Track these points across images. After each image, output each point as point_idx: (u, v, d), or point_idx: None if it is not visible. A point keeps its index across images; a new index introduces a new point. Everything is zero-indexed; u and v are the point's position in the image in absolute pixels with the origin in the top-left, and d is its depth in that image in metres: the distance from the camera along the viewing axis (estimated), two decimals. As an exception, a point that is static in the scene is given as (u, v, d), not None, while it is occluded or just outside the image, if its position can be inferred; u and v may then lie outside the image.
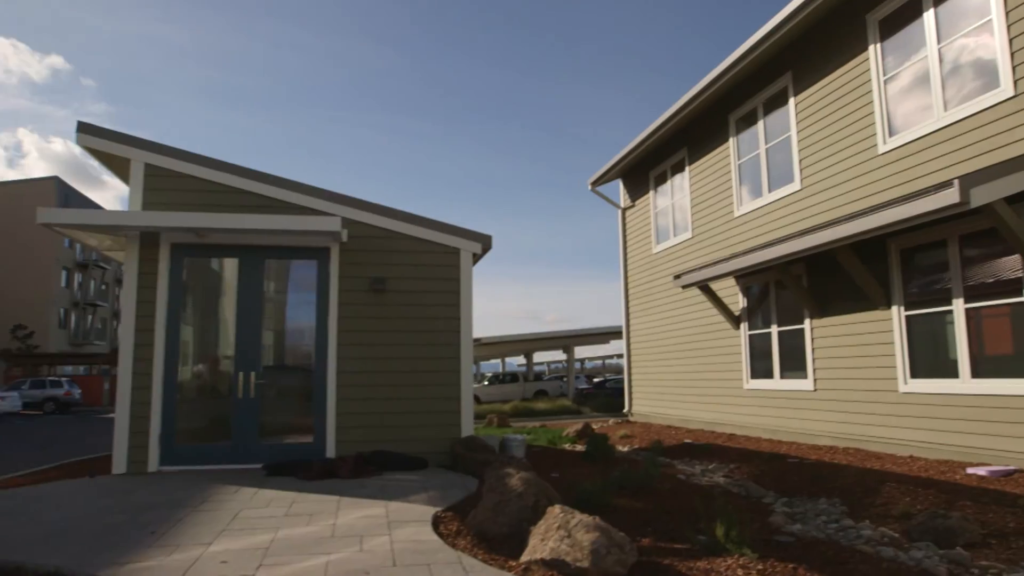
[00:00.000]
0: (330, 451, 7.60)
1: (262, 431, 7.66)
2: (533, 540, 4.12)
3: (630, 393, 16.62)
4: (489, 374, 34.03)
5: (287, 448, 7.66)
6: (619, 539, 3.90)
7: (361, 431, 7.68)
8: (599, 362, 65.24)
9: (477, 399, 29.09)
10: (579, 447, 12.18)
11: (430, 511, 5.38)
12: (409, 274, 8.00)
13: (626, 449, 11.32)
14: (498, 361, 46.60)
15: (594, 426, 15.82)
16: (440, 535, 4.71)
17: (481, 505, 4.72)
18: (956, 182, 6.36)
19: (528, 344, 30.22)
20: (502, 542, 4.57)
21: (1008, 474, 6.77)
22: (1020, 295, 7.09)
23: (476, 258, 8.35)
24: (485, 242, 8.14)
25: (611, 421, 16.56)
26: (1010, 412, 7.12)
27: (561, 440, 13.18)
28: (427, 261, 8.04)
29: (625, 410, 16.82)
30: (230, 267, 7.91)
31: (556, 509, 4.16)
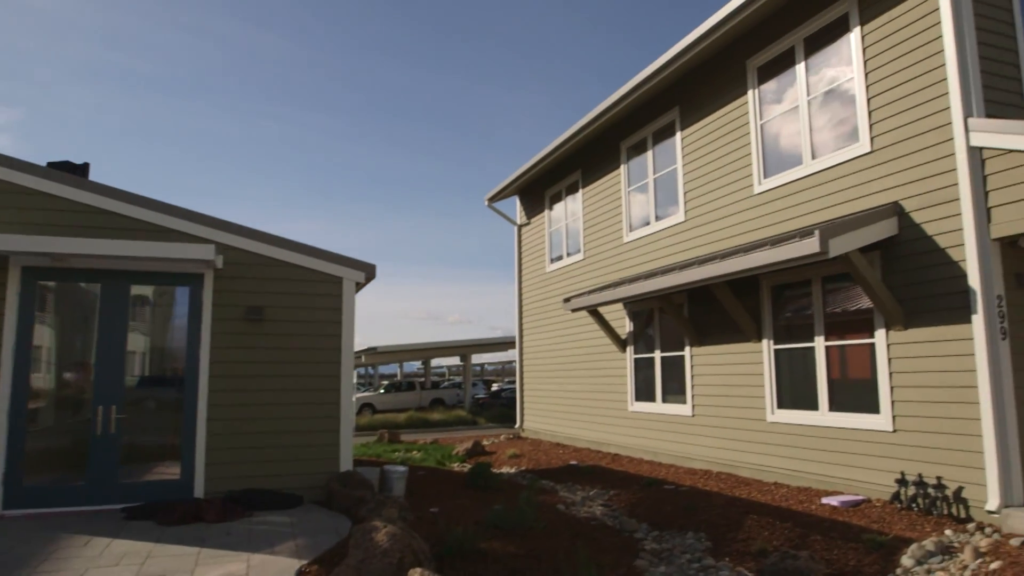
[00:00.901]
0: (198, 489, 7.22)
1: (123, 469, 7.19)
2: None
3: (522, 409, 16.77)
4: (386, 382, 33.53)
5: (150, 487, 7.23)
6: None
7: (233, 467, 7.35)
8: (500, 365, 65.60)
9: (372, 407, 28.59)
10: (468, 466, 12.19)
11: (295, 565, 5.19)
12: (288, 303, 7.73)
13: (513, 471, 11.41)
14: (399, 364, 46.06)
15: (485, 442, 15.88)
16: (302, 596, 4.55)
17: (345, 563, 4.59)
18: (817, 232, 6.76)
19: (425, 352, 30.00)
20: (366, 603, 4.46)
21: (857, 504, 7.25)
22: (872, 336, 7.62)
23: (359, 286, 8.17)
24: (369, 271, 7.98)
25: (503, 436, 16.65)
26: (860, 444, 7.63)
27: (450, 459, 13.15)
28: (308, 290, 7.80)
29: (517, 425, 16.96)
30: (94, 292, 7.39)
31: (416, 573, 4.10)
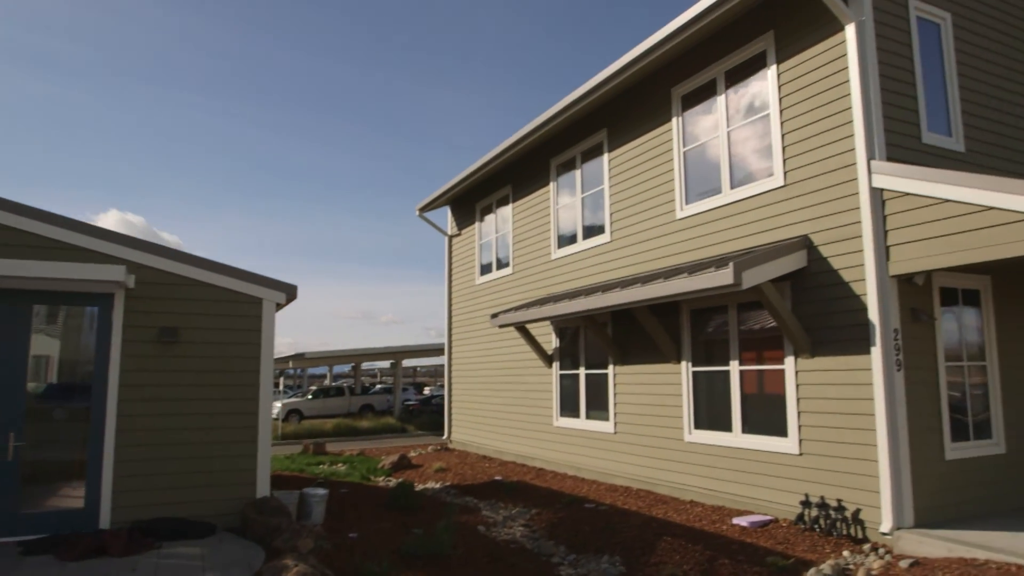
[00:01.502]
0: (104, 519, 6.94)
1: (23, 498, 6.84)
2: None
3: (450, 420, 16.76)
4: (314, 387, 32.86)
5: (52, 517, 6.90)
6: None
7: (143, 494, 7.09)
8: (432, 368, 65.24)
9: (300, 413, 28.02)
10: (393, 481, 12.10)
11: (202, 604, 5.06)
12: (205, 324, 7.51)
13: (438, 486, 11.40)
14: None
15: (412, 453, 15.79)
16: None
17: (253, 606, 4.50)
18: (731, 264, 7.01)
19: (355, 358, 29.56)
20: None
21: (765, 524, 7.55)
22: (782, 363, 7.95)
23: (280, 306, 8.02)
24: (290, 291, 7.84)
25: (430, 448, 16.59)
26: (770, 466, 7.96)
27: (376, 473, 13.03)
28: (226, 311, 7.60)
29: (445, 436, 16.93)
30: (-10, 310, 7.01)
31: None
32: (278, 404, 27.16)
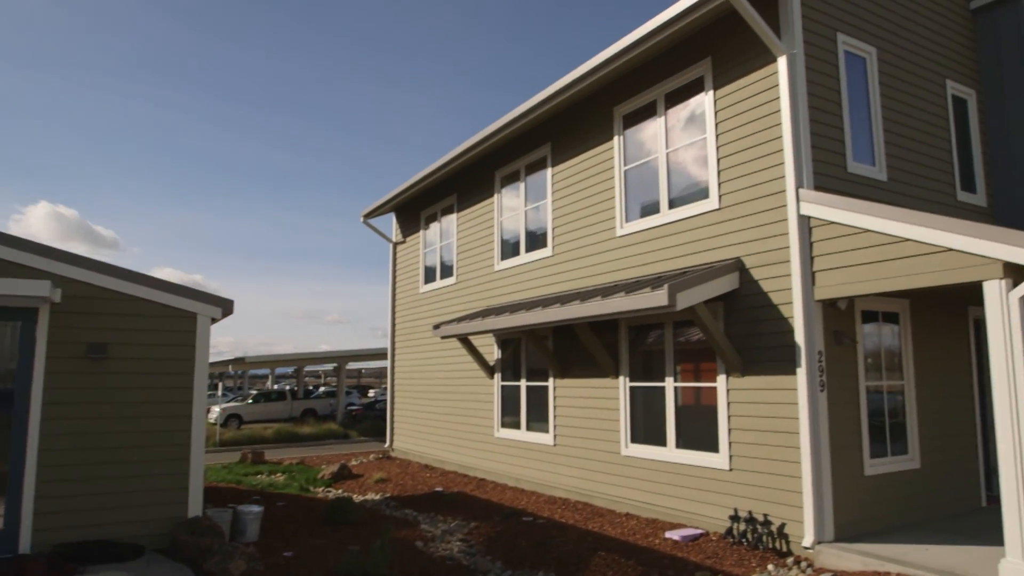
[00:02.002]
0: (25, 543, 6.70)
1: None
2: None
3: (392, 429, 16.68)
4: (255, 391, 32.15)
5: (-32, 540, 6.63)
6: None
7: (67, 515, 6.87)
8: (377, 370, 64.59)
9: (239, 418, 27.40)
10: (333, 492, 11.99)
11: (126, 635, 4.95)
12: (137, 339, 7.33)
13: (378, 497, 11.35)
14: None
15: (354, 462, 15.66)
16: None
17: (179, 638, 4.43)
18: (666, 286, 7.20)
19: (297, 361, 29.08)
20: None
21: (696, 538, 7.77)
22: (715, 381, 8.19)
23: (215, 320, 7.88)
24: (226, 306, 7.71)
25: (372, 456, 16.48)
26: (702, 480, 8.19)
27: (316, 484, 12.88)
28: (159, 326, 7.43)
29: (387, 445, 16.84)
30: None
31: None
32: (217, 408, 26.53)
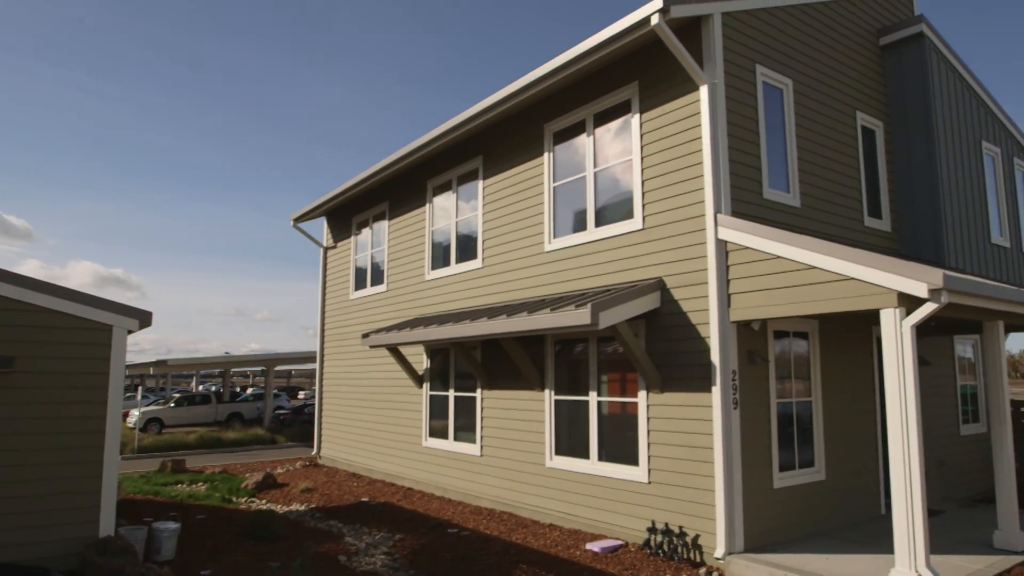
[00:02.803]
0: (-82, 566, 6.38)
1: None
2: None
3: (319, 436, 16.47)
4: (178, 394, 31.05)
5: None
6: None
7: (-35, 537, 6.56)
8: (310, 371, 63.34)
9: (161, 422, 26.47)
10: (256, 503, 11.76)
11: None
12: (48, 352, 7.05)
13: (303, 508, 11.21)
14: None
15: (279, 470, 15.40)
16: None
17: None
18: (589, 305, 7.38)
19: (222, 364, 28.28)
20: None
21: (615, 549, 8.00)
22: (636, 396, 8.45)
23: (131, 332, 7.65)
24: (143, 318, 7.50)
25: (299, 464, 16.22)
26: (621, 493, 8.43)
27: (239, 494, 12.60)
28: (72, 338, 7.16)
29: (314, 452, 16.61)
30: None
31: None
32: (136, 412, 25.55)
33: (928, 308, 5.92)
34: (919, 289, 5.89)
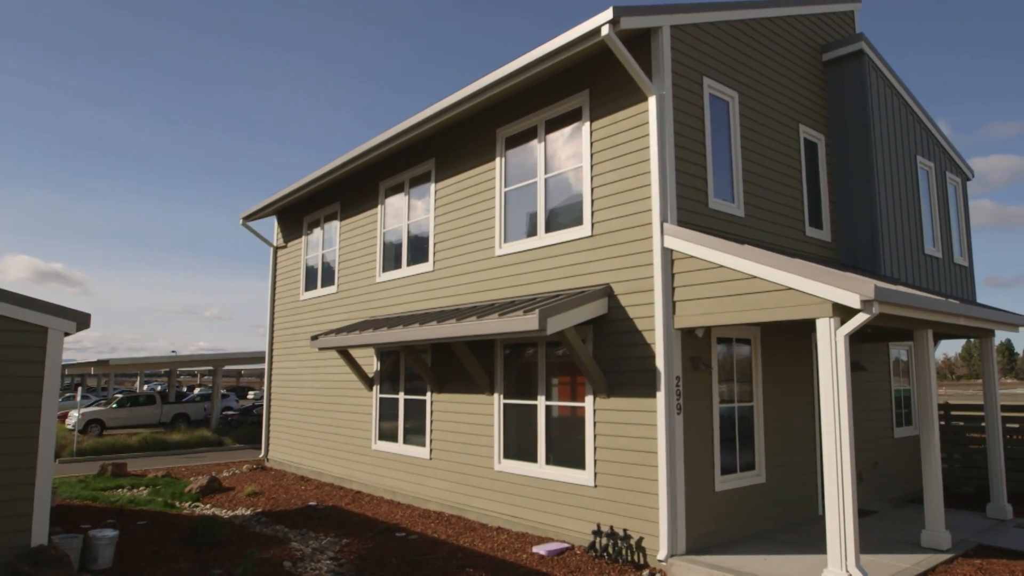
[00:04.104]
0: None
1: None
2: None
3: (267, 438, 16.21)
4: (120, 394, 30.13)
5: None
6: None
7: None
8: (260, 370, 62.20)
9: (102, 424, 25.66)
10: (200, 508, 11.52)
11: None
12: (-24, 355, 6.81)
13: (248, 513, 11.03)
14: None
15: (225, 473, 15.12)
16: None
17: None
18: (537, 311, 7.45)
19: (167, 364, 27.57)
20: None
21: (561, 552, 8.09)
22: (583, 401, 8.56)
23: (68, 334, 7.43)
24: (81, 320, 7.29)
25: (246, 467, 15.94)
26: (569, 496, 8.53)
27: (183, 499, 12.33)
28: (3, 341, 6.92)
29: (262, 455, 16.34)
30: None
31: None
32: (76, 413, 24.72)
33: (861, 318, 6.16)
34: (852, 300, 6.12)
